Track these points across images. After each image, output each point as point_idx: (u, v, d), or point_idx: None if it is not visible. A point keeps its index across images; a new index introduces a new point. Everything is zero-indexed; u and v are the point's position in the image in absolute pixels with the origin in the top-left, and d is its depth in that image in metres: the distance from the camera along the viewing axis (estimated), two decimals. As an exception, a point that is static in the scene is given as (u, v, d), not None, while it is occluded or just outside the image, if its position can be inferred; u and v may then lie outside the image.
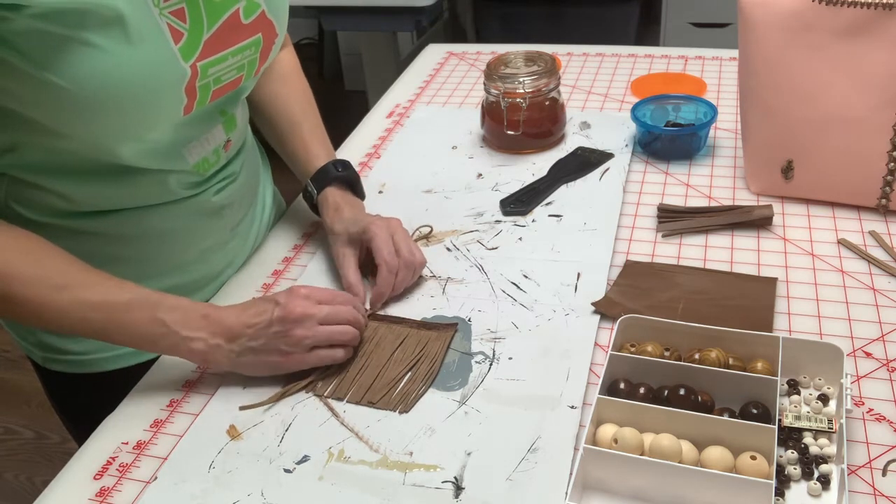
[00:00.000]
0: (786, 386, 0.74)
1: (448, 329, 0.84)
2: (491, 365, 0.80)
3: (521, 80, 1.11)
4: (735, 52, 1.12)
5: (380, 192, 1.10)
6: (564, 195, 1.06)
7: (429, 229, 1.00)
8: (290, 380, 0.79)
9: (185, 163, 0.83)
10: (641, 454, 0.66)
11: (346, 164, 0.97)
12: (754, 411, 0.69)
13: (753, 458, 0.64)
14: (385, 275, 0.87)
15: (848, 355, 0.78)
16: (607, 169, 1.11)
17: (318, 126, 1.00)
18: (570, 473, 0.67)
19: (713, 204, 1.02)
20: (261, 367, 0.78)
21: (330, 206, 0.93)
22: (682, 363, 0.73)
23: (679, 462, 0.65)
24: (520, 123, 1.13)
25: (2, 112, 0.73)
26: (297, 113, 0.99)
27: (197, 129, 0.82)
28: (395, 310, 0.88)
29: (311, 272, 0.95)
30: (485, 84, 1.15)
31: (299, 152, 0.98)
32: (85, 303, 0.72)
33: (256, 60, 0.83)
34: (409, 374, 0.79)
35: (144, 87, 0.71)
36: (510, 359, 0.80)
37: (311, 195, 0.96)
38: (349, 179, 0.96)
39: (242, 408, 0.76)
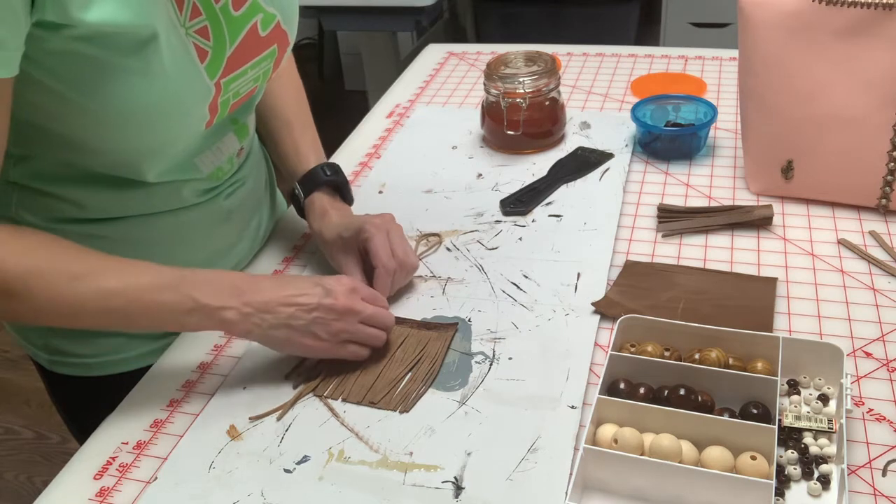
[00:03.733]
0: (786, 386, 0.74)
1: (448, 329, 0.84)
2: (491, 365, 0.80)
3: (521, 80, 1.11)
4: (735, 52, 1.12)
5: (380, 192, 1.10)
6: (564, 195, 1.06)
7: (437, 239, 0.99)
8: (290, 370, 0.80)
9: (199, 172, 0.83)
10: (641, 454, 0.66)
11: (335, 168, 0.95)
12: (754, 411, 0.69)
13: (753, 458, 0.64)
14: (383, 278, 0.86)
15: (848, 355, 0.78)
16: (607, 169, 1.11)
17: (308, 125, 0.99)
18: (570, 473, 0.67)
19: (713, 204, 1.02)
20: (290, 345, 0.77)
21: (317, 212, 0.92)
22: (682, 363, 0.73)
23: (679, 462, 0.65)
24: (520, 123, 1.13)
25: (23, 124, 0.72)
26: (289, 111, 0.98)
27: (210, 140, 0.83)
28: (395, 310, 0.88)
29: (312, 272, 0.95)
30: (485, 84, 1.15)
31: (290, 153, 0.96)
32: (105, 290, 0.70)
33: (270, 70, 0.84)
34: (410, 374, 0.79)
35: (173, 108, 0.71)
36: (510, 359, 0.80)
37: (297, 198, 0.94)
38: (337, 184, 0.94)
39: (253, 418, 0.75)
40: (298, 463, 0.71)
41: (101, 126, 0.70)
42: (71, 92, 0.67)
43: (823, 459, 0.67)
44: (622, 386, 0.72)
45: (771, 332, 0.80)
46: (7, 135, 0.68)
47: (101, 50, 0.65)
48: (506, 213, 1.03)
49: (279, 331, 0.75)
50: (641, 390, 0.72)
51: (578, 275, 0.91)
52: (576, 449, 0.70)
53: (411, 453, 0.71)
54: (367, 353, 0.79)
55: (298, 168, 0.95)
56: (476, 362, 0.80)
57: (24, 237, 0.71)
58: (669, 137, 1.12)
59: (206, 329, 0.75)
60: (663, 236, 0.97)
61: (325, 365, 0.80)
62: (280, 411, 0.76)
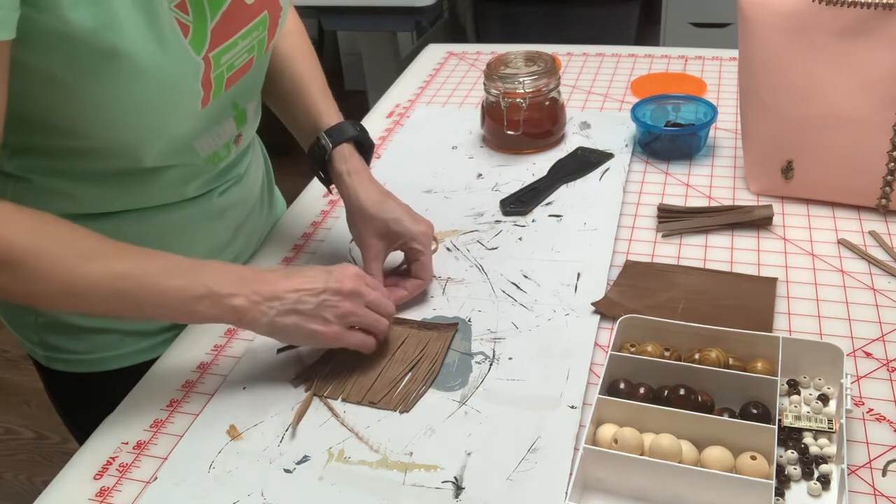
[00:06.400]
0: (786, 386, 0.74)
1: (448, 329, 0.84)
2: (491, 365, 0.80)
3: (521, 80, 1.11)
4: (735, 52, 1.12)
5: (380, 192, 1.10)
6: (564, 195, 1.06)
7: (435, 242, 0.99)
8: (293, 371, 0.80)
9: (197, 156, 0.82)
10: (641, 454, 0.66)
11: (363, 127, 0.92)
12: (754, 411, 0.69)
13: (753, 458, 0.64)
14: (418, 290, 0.88)
15: (848, 355, 0.78)
16: (607, 169, 1.11)
17: (326, 88, 0.96)
18: (570, 473, 0.67)
19: (713, 204, 1.02)
20: (299, 333, 0.76)
21: (350, 167, 0.88)
22: (682, 363, 0.73)
23: (679, 462, 0.65)
24: (520, 123, 1.13)
25: (20, 115, 0.71)
26: (304, 71, 0.95)
27: (209, 123, 0.82)
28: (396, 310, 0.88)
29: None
30: (485, 84, 1.15)
31: (309, 109, 0.92)
32: (116, 273, 0.69)
33: (265, 38, 0.82)
34: (410, 374, 0.79)
35: (166, 85, 0.70)
36: (510, 359, 0.80)
37: (323, 148, 0.89)
38: (365, 143, 0.92)
39: (293, 424, 0.75)
40: (298, 463, 0.71)
41: (100, 109, 0.69)
42: (69, 74, 0.66)
43: (823, 459, 0.67)
44: (622, 386, 0.72)
45: (771, 332, 0.80)
46: (5, 106, 0.66)
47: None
48: (506, 213, 1.03)
49: (288, 317, 0.74)
50: (641, 390, 0.72)
51: (578, 275, 0.91)
52: (576, 449, 0.70)
53: (411, 453, 0.71)
54: (373, 342, 0.79)
55: (321, 122, 0.91)
56: (476, 362, 0.80)
57: (32, 215, 0.69)
58: (669, 137, 1.12)
59: (214, 318, 0.73)
60: (663, 236, 0.97)
61: (326, 364, 0.81)
62: (298, 416, 0.75)
